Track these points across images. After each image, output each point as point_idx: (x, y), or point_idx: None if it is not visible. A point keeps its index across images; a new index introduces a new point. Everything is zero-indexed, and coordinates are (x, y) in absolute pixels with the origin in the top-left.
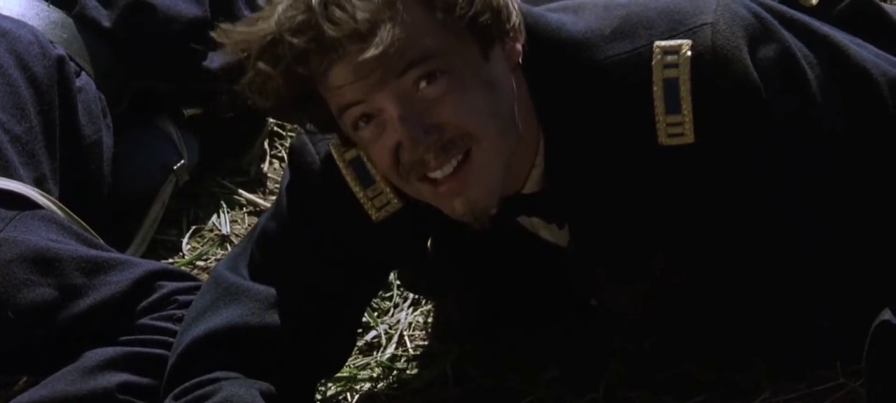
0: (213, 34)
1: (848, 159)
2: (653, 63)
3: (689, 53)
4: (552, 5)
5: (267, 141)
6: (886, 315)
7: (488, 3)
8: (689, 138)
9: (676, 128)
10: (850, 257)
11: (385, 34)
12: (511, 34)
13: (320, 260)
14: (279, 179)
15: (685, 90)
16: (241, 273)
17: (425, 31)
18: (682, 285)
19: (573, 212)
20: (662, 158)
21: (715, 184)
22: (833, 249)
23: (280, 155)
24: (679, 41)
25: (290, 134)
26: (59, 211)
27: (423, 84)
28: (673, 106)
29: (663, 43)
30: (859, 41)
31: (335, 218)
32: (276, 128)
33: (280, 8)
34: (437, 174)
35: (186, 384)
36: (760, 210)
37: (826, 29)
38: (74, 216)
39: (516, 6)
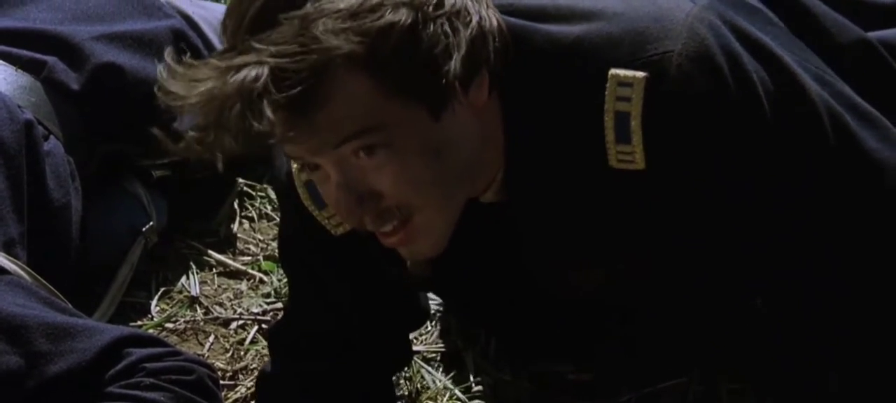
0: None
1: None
2: (606, 93)
3: (642, 88)
4: (556, 6)
5: (237, 201)
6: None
7: (435, 66)
8: (640, 165)
9: (627, 155)
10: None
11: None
12: (475, 80)
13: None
14: (249, 240)
15: (636, 124)
16: None
17: (363, 102)
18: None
19: (529, 224)
20: (614, 179)
21: (667, 207)
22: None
23: (250, 215)
24: (634, 73)
25: (260, 193)
26: (26, 276)
27: (361, 154)
28: (623, 136)
29: (619, 72)
30: (831, 73)
31: (304, 230)
32: (245, 189)
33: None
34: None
35: None
36: (713, 235)
37: (794, 66)
38: (42, 280)
39: (494, 29)
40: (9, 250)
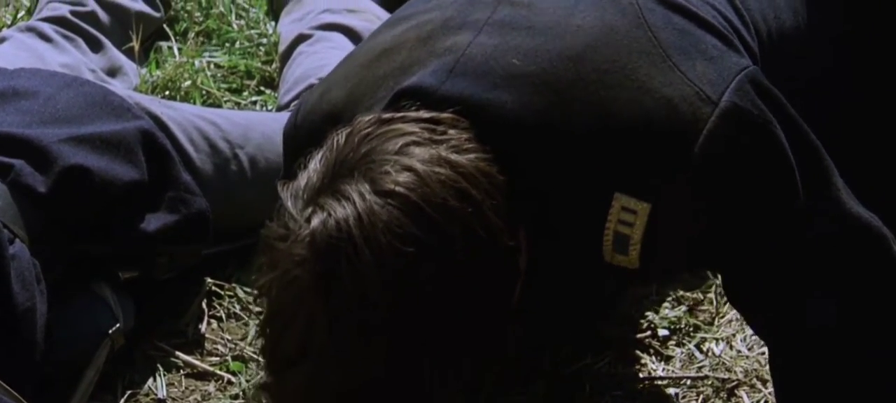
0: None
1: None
2: (610, 213)
3: (645, 219)
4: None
5: (205, 301)
6: None
7: None
8: (635, 265)
9: (622, 259)
10: None
11: None
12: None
13: None
14: (217, 340)
15: (635, 242)
16: None
17: None
18: None
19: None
20: (608, 268)
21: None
22: None
23: (218, 314)
24: (639, 202)
25: (228, 293)
26: None
27: None
28: (621, 249)
29: (624, 198)
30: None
31: None
32: (214, 288)
33: None
34: None
35: None
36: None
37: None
38: (5, 386)
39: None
40: None
